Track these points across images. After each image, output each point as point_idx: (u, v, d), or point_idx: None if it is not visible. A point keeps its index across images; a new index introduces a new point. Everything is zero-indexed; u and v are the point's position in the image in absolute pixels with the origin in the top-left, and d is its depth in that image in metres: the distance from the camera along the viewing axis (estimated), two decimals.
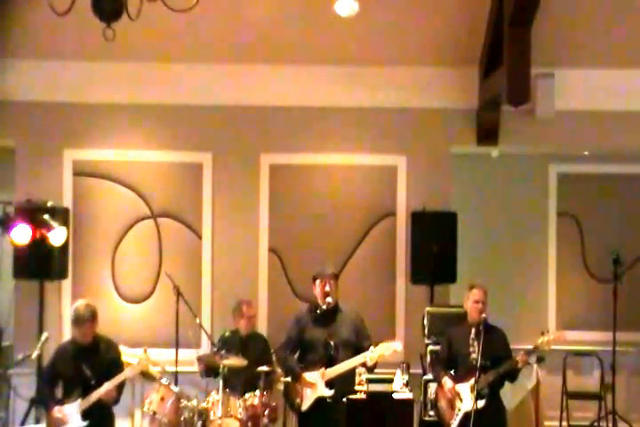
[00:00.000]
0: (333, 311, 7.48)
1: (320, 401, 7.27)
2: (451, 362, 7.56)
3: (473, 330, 7.36)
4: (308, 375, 7.36)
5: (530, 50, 8.24)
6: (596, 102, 9.29)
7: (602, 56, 9.14)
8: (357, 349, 7.35)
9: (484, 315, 7.34)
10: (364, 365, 7.23)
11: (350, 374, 7.26)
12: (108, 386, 6.93)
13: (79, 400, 6.97)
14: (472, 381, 7.16)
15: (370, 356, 7.16)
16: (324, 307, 7.44)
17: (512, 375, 7.40)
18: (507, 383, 7.49)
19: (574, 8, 8.85)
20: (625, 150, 9.88)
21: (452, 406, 7.38)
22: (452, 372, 7.50)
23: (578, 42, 9.03)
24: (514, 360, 7.24)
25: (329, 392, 7.24)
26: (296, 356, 7.58)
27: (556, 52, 8.99)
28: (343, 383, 7.22)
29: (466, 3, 8.93)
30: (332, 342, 7.30)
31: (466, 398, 7.28)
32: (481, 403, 7.15)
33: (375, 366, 7.27)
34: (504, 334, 7.50)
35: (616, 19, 8.95)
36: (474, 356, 7.24)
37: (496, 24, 8.66)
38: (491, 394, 7.25)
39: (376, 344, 7.26)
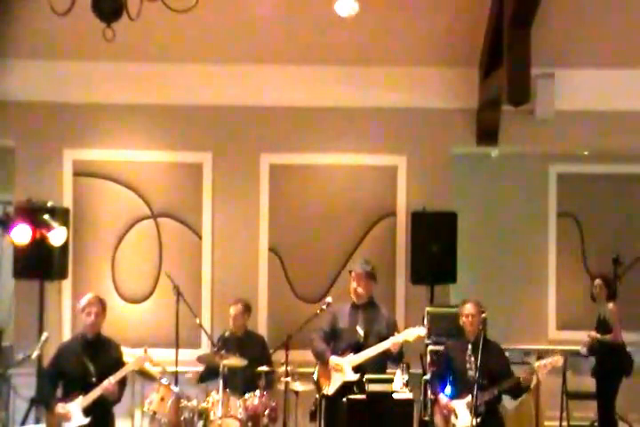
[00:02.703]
0: (368, 305, 7.67)
1: (346, 387, 7.34)
2: (448, 377, 7.51)
3: (469, 346, 7.34)
4: (336, 359, 7.46)
5: (530, 50, 8.25)
6: (596, 102, 9.29)
7: (602, 56, 9.14)
8: None
9: (478, 331, 7.26)
10: (389, 355, 7.37)
11: (379, 363, 7.40)
12: (110, 380, 6.95)
13: (80, 397, 6.99)
14: (468, 398, 7.13)
15: (394, 340, 7.31)
16: (355, 302, 7.67)
17: (515, 393, 7.39)
18: None
19: (574, 8, 8.85)
20: (625, 150, 9.89)
21: (447, 421, 7.36)
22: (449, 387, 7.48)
23: (578, 42, 9.03)
24: (517, 378, 7.21)
25: (354, 377, 7.33)
26: (330, 346, 7.70)
27: (556, 52, 8.99)
28: (371, 370, 7.31)
29: (466, 3, 8.93)
30: (361, 331, 7.46)
31: (461, 414, 7.24)
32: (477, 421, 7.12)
33: (402, 356, 7.46)
34: (500, 348, 7.47)
35: (616, 19, 8.95)
36: (470, 373, 7.21)
37: (496, 24, 8.66)
38: (488, 410, 7.20)
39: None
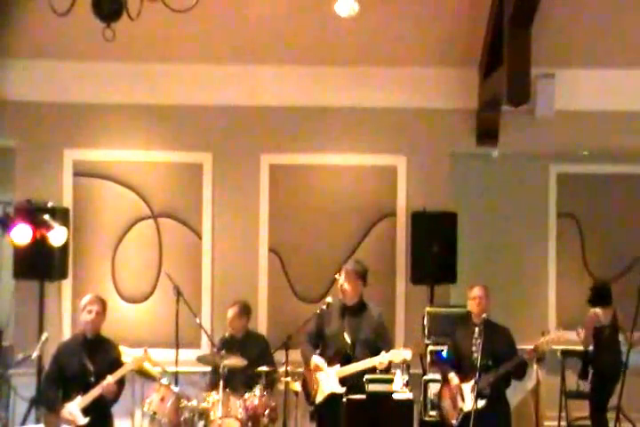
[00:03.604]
0: (357, 308, 7.52)
1: (334, 396, 7.31)
2: (457, 361, 7.57)
3: (476, 329, 7.39)
4: (318, 360, 7.41)
5: (530, 50, 8.25)
6: (596, 102, 9.29)
7: (602, 56, 9.15)
8: (375, 349, 7.37)
9: (484, 315, 7.36)
10: (376, 368, 7.28)
11: (366, 372, 7.30)
12: (109, 380, 6.94)
13: (79, 397, 6.98)
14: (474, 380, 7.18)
15: (379, 361, 7.20)
16: (338, 299, 7.51)
17: (519, 373, 7.42)
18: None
19: (574, 8, 8.85)
20: (625, 150, 9.88)
21: (454, 404, 7.40)
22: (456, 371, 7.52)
23: (578, 42, 9.04)
24: (521, 358, 7.25)
25: (341, 389, 7.27)
26: (318, 351, 7.59)
27: (556, 52, 8.99)
28: (358, 381, 7.23)
29: (466, 3, 8.93)
30: (348, 340, 7.36)
31: (468, 397, 7.29)
32: (482, 403, 7.17)
33: (389, 367, 7.33)
34: (509, 332, 7.52)
35: (616, 19, 8.95)
36: (476, 356, 7.26)
37: (496, 24, 8.67)
38: (495, 394, 7.26)
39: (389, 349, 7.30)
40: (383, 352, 7.25)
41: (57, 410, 7.05)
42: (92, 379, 7.03)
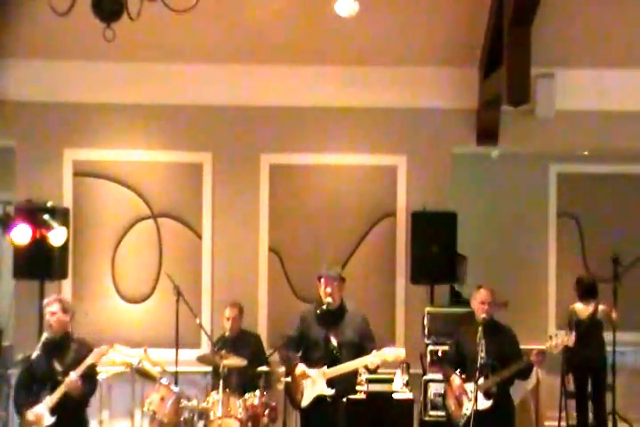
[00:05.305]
0: (339, 311, 7.46)
1: (320, 399, 7.26)
2: (460, 361, 7.56)
3: (480, 330, 7.38)
4: (304, 368, 7.34)
5: (530, 50, 8.25)
6: (596, 102, 9.29)
7: (602, 56, 9.14)
8: (361, 350, 7.32)
9: (483, 315, 7.37)
10: (366, 367, 7.22)
11: (352, 373, 7.27)
12: (72, 376, 6.79)
13: (48, 397, 6.88)
14: (480, 380, 7.17)
15: (371, 360, 7.13)
16: (325, 307, 7.41)
17: (524, 374, 7.45)
18: None
19: (574, 8, 8.85)
20: (625, 150, 9.89)
21: (460, 404, 7.39)
22: (460, 371, 7.51)
23: (578, 42, 9.04)
24: (527, 360, 7.26)
25: (330, 391, 7.21)
26: (299, 354, 7.52)
27: (556, 52, 8.99)
28: (344, 383, 7.21)
29: (466, 3, 8.93)
30: (335, 342, 7.31)
31: (473, 397, 7.30)
32: (489, 403, 7.20)
33: (377, 368, 7.23)
34: (513, 333, 7.54)
35: (616, 19, 8.95)
36: (482, 355, 7.26)
37: (496, 24, 8.67)
38: (500, 393, 7.28)
39: (379, 348, 7.22)
40: (375, 351, 7.17)
41: (24, 413, 6.91)
42: (60, 378, 6.91)
